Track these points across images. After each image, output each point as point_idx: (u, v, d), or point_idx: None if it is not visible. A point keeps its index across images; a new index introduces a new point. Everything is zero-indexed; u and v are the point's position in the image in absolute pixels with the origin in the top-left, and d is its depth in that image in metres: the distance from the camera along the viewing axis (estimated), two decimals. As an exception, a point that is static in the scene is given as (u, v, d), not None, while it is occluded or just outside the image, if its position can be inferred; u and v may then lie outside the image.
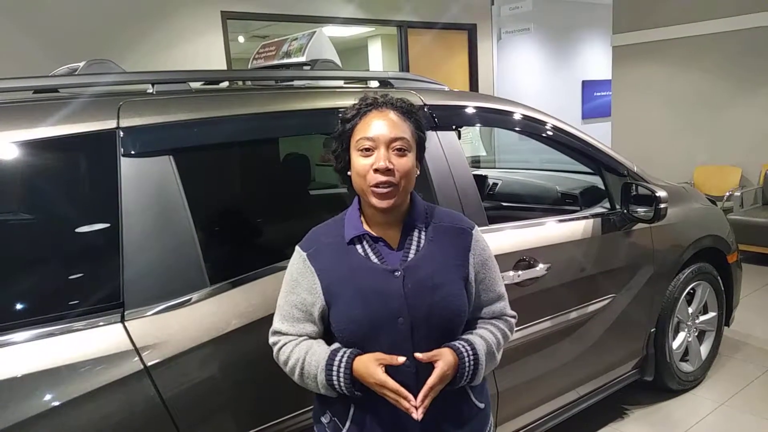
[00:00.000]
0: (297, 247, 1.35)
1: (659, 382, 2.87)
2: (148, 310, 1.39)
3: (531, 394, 2.24)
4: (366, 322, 1.25)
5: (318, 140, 2.27)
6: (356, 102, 1.32)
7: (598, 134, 2.65)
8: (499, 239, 2.08)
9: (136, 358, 1.34)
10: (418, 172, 1.33)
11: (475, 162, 5.01)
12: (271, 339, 1.35)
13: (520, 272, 2.08)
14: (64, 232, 1.43)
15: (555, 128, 2.45)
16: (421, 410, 1.20)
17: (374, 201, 1.26)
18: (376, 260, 1.29)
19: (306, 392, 1.34)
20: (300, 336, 1.31)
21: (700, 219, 2.96)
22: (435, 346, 1.27)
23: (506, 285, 2.00)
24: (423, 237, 1.33)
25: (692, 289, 2.94)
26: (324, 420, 1.36)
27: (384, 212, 1.29)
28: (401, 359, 1.21)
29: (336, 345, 1.29)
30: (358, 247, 1.31)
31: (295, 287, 1.31)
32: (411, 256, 1.30)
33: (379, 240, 1.32)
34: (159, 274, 1.42)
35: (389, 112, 1.29)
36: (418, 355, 1.23)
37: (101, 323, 1.34)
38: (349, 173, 1.31)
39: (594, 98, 8.87)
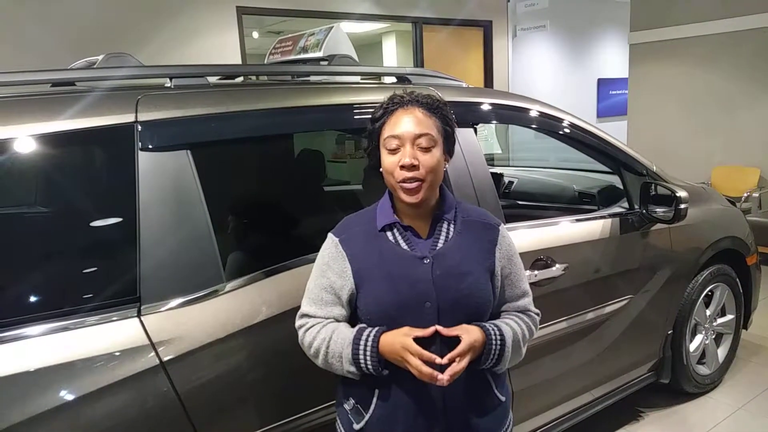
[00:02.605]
0: (330, 234, 1.39)
1: (676, 384, 2.84)
2: (165, 305, 1.39)
3: (546, 395, 2.22)
4: (394, 305, 1.29)
5: (332, 137, 2.26)
6: (384, 101, 1.36)
7: (613, 133, 2.61)
8: (516, 238, 2.02)
9: (152, 353, 1.33)
10: (447, 166, 1.38)
11: (490, 160, 4.97)
12: (298, 322, 1.38)
13: (536, 272, 2.05)
14: (82, 226, 1.43)
15: (573, 125, 2.41)
16: (447, 374, 1.22)
17: (403, 196, 1.31)
18: (406, 247, 1.34)
19: (322, 389, 1.33)
20: (327, 318, 1.35)
21: (720, 220, 2.92)
22: None
23: (523, 284, 2.01)
24: (452, 229, 1.38)
25: (710, 291, 2.90)
26: (347, 406, 1.38)
27: (414, 206, 1.33)
28: (432, 329, 1.24)
29: (362, 325, 1.32)
30: (389, 234, 1.36)
31: (326, 271, 1.35)
32: (440, 245, 1.35)
33: (408, 228, 1.36)
34: (175, 269, 1.42)
35: (415, 109, 1.32)
36: (440, 328, 1.27)
37: (118, 317, 1.34)
38: (381, 170, 1.35)
39: (609, 97, 8.78)
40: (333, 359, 1.31)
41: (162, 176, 1.44)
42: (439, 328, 1.27)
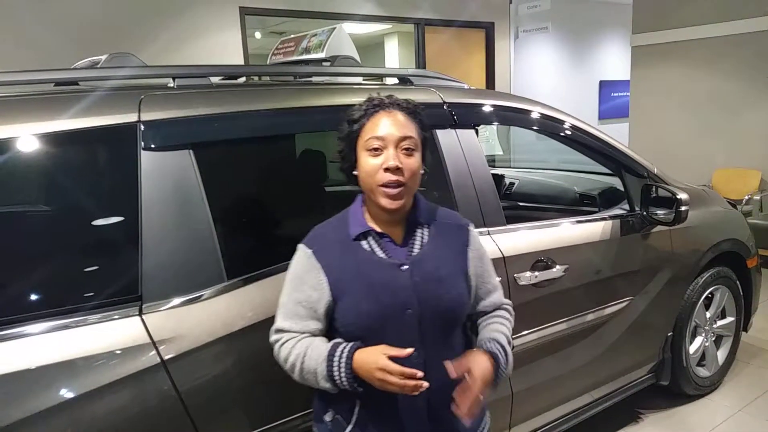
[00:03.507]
0: (301, 245, 1.35)
1: (675, 386, 2.84)
2: (166, 304, 1.39)
3: (546, 396, 2.22)
4: (375, 315, 1.28)
5: (333, 137, 2.27)
6: (361, 103, 1.34)
7: (615, 135, 2.62)
8: (517, 239, 2.06)
9: (153, 352, 1.34)
10: (423, 173, 1.36)
11: (492, 161, 4.98)
12: (273, 337, 1.35)
13: (537, 273, 2.06)
14: (84, 225, 1.43)
15: (574, 127, 2.42)
16: (467, 417, 1.24)
17: (383, 202, 1.28)
18: (382, 255, 1.33)
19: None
20: (302, 333, 1.32)
21: (720, 222, 2.92)
22: (440, 337, 1.34)
23: (523, 286, 2.02)
24: (426, 233, 1.38)
25: (710, 293, 2.90)
26: (327, 418, 1.36)
27: (388, 212, 1.31)
28: (409, 350, 1.22)
29: (338, 339, 1.30)
30: (364, 243, 1.33)
31: (300, 285, 1.32)
32: (416, 250, 1.35)
33: (384, 236, 1.35)
34: (177, 268, 1.42)
35: (397, 112, 1.31)
36: (449, 367, 1.26)
37: (119, 316, 1.35)
38: (354, 173, 1.33)
39: (611, 99, 8.78)
40: (308, 374, 1.28)
41: (164, 176, 1.45)
42: (448, 367, 1.25)
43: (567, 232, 2.25)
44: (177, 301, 1.40)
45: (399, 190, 1.27)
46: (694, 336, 2.89)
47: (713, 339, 3.01)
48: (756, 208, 5.45)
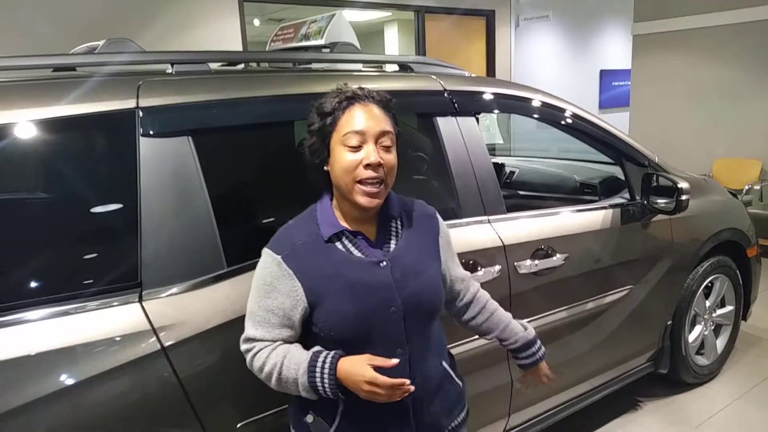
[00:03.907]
0: (267, 251, 1.27)
1: (674, 375, 2.85)
2: (166, 291, 1.39)
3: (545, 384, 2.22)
4: (358, 316, 1.23)
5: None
6: (332, 95, 1.28)
7: (616, 124, 2.61)
8: (517, 228, 2.05)
9: (153, 338, 1.34)
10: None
11: (492, 150, 4.96)
12: (244, 346, 1.30)
13: (537, 261, 2.05)
14: (83, 212, 1.42)
15: (575, 116, 2.41)
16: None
17: (362, 200, 1.23)
18: (359, 254, 1.28)
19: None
20: (275, 341, 1.27)
21: (721, 211, 2.91)
22: (423, 331, 1.32)
23: (523, 274, 2.02)
24: (399, 227, 1.34)
25: (710, 282, 2.90)
26: (308, 419, 1.31)
27: (363, 210, 1.26)
28: (394, 361, 1.19)
29: (317, 347, 1.25)
30: (338, 244, 1.28)
31: (271, 292, 1.25)
32: (392, 246, 1.31)
33: (357, 234, 1.29)
34: (177, 254, 1.42)
35: (372, 105, 1.26)
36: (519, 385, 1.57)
37: (119, 303, 1.34)
38: (325, 168, 1.28)
39: (612, 88, 8.75)
40: (287, 384, 1.24)
41: (163, 162, 1.44)
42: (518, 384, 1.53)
43: (567, 220, 2.24)
44: (177, 288, 1.40)
45: (379, 187, 1.23)
46: (693, 325, 2.90)
47: (712, 328, 3.01)
48: (756, 198, 5.45)
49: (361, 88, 1.28)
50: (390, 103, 1.30)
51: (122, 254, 1.41)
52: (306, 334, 1.30)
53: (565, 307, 2.20)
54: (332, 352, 1.22)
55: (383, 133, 1.24)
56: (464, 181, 1.98)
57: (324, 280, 1.24)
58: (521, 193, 3.27)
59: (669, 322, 2.69)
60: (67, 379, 1.24)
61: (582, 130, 2.44)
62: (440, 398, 1.36)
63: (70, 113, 1.38)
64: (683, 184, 2.34)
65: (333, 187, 1.30)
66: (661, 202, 2.43)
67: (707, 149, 6.12)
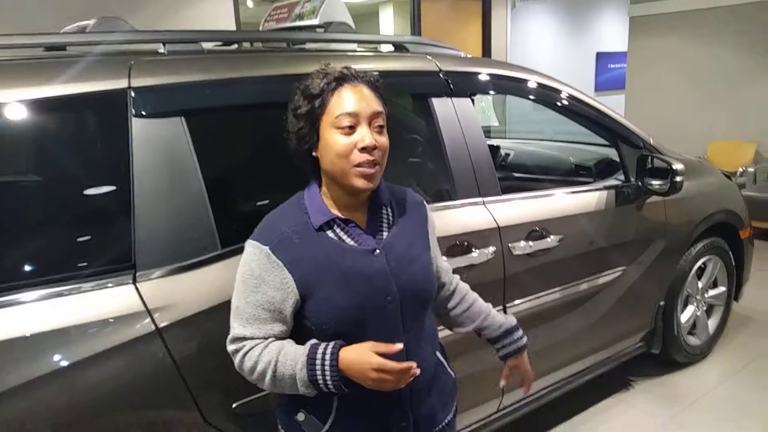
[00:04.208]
0: (253, 242, 1.21)
1: (666, 355, 2.88)
2: (160, 272, 1.39)
3: (538, 363, 2.22)
4: (354, 307, 1.18)
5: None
6: (318, 76, 1.20)
7: (611, 107, 2.60)
8: (512, 210, 2.05)
9: (148, 320, 1.34)
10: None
11: (487, 132, 4.94)
12: (231, 347, 1.22)
13: (531, 243, 2.06)
14: (75, 193, 1.42)
15: (571, 97, 2.40)
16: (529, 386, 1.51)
17: (359, 183, 1.17)
18: (351, 242, 1.22)
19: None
20: (267, 338, 1.20)
21: (715, 193, 2.92)
22: (418, 320, 1.29)
23: (518, 256, 2.02)
24: (390, 214, 1.30)
25: (703, 263, 2.92)
26: (299, 418, 1.25)
27: (356, 194, 1.22)
28: (399, 346, 1.14)
29: (314, 340, 1.19)
30: (329, 232, 1.22)
31: (259, 285, 1.18)
32: (385, 233, 1.26)
33: (349, 222, 1.24)
34: (170, 236, 1.41)
35: (362, 86, 1.20)
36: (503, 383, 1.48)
37: (113, 284, 1.34)
38: (314, 154, 1.21)
39: (608, 70, 8.71)
40: (283, 382, 1.17)
41: (156, 143, 1.43)
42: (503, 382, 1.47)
43: (562, 202, 2.25)
44: (171, 269, 1.40)
45: (375, 170, 1.18)
46: (685, 305, 2.92)
47: (704, 308, 3.04)
48: (750, 181, 5.47)
49: (347, 68, 1.21)
50: (378, 82, 1.24)
51: (116, 236, 1.41)
52: (297, 330, 1.23)
53: (559, 288, 2.22)
54: (332, 343, 1.16)
55: (376, 114, 1.19)
56: (459, 162, 1.97)
57: (316, 270, 1.18)
58: (516, 175, 3.27)
59: (662, 303, 2.71)
60: (61, 361, 1.24)
61: (578, 111, 2.44)
62: (436, 390, 1.34)
63: (61, 93, 1.36)
64: (678, 166, 2.34)
65: (321, 174, 1.24)
66: (656, 183, 2.43)
67: (703, 132, 6.12)
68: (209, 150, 1.53)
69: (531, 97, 2.41)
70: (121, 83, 1.43)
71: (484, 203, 1.99)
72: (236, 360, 1.21)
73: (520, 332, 1.49)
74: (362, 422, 1.24)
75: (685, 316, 2.92)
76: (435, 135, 1.97)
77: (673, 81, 6.31)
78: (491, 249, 1.95)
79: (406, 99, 2.06)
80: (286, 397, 1.26)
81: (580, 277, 2.30)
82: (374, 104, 1.19)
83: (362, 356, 1.13)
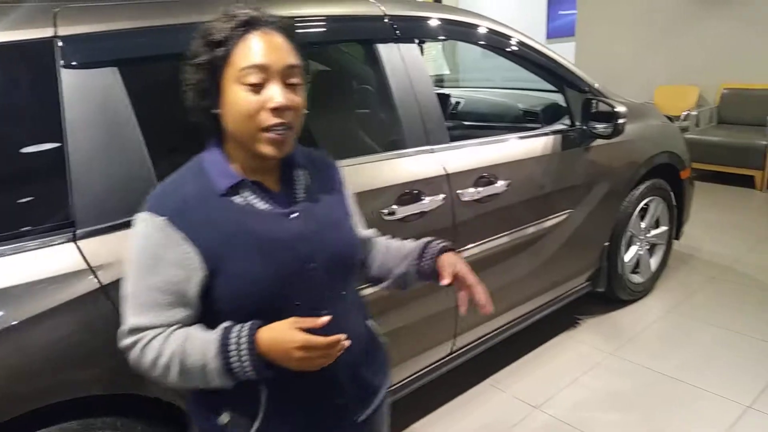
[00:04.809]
0: (145, 215, 1.03)
1: (611, 293, 3.02)
2: (101, 229, 1.35)
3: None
4: (275, 278, 1.04)
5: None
6: (222, 19, 1.02)
7: (563, 54, 2.62)
8: (460, 157, 2.07)
9: (92, 277, 1.31)
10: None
11: (439, 81, 4.92)
12: (126, 341, 1.03)
13: (480, 189, 2.09)
14: (5, 151, 1.35)
15: (520, 43, 2.40)
16: (486, 302, 1.15)
17: (267, 150, 1.02)
18: (264, 206, 1.07)
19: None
20: (169, 326, 1.03)
21: (657, 135, 3.02)
22: (345, 289, 1.16)
23: (466, 202, 2.05)
24: (304, 175, 1.15)
25: (646, 204, 3.03)
26: (222, 420, 1.10)
27: (264, 159, 1.05)
28: (324, 319, 0.99)
29: (226, 323, 1.02)
30: (236, 198, 1.06)
31: (156, 265, 1.00)
32: (301, 195, 1.12)
33: (257, 185, 1.08)
34: (110, 192, 1.38)
35: (274, 33, 1.02)
36: (446, 281, 1.14)
37: (53, 243, 1.31)
38: (215, 111, 1.04)
39: (559, 17, 8.70)
40: (192, 375, 1.00)
41: (89, 95, 1.37)
42: (445, 282, 1.14)
43: (509, 148, 2.28)
44: (112, 225, 1.37)
45: (287, 134, 1.02)
46: (629, 245, 3.05)
47: (647, 248, 3.18)
48: (693, 124, 5.65)
49: (257, 9, 1.03)
50: (294, 29, 1.07)
51: (52, 194, 1.36)
52: (207, 315, 1.06)
53: (508, 232, 2.27)
54: (248, 324, 1.00)
55: (290, 68, 1.02)
56: (407, 109, 1.97)
57: (225, 239, 1.02)
58: (467, 123, 3.28)
59: (606, 244, 2.82)
60: (4, 321, 1.21)
61: (526, 57, 2.45)
62: (368, 361, 1.21)
63: (-21, 44, 1.28)
64: (620, 108, 2.40)
65: (224, 133, 1.07)
66: (600, 126, 2.49)
67: (649, 77, 6.25)
68: (147, 101, 1.48)
69: (480, 43, 2.40)
70: (46, 32, 1.36)
71: (432, 151, 2.00)
72: (133, 354, 1.03)
73: (438, 240, 1.28)
74: (297, 410, 1.11)
75: (629, 255, 3.05)
76: (382, 83, 1.95)
77: (620, 27, 6.37)
78: (440, 196, 1.97)
79: (349, 46, 2.02)
80: (203, 396, 1.10)
81: (529, 220, 2.36)
82: (288, 56, 1.02)
83: (284, 334, 0.97)
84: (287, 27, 1.05)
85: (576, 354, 2.74)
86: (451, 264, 1.19)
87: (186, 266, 1.01)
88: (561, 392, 2.46)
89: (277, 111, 0.99)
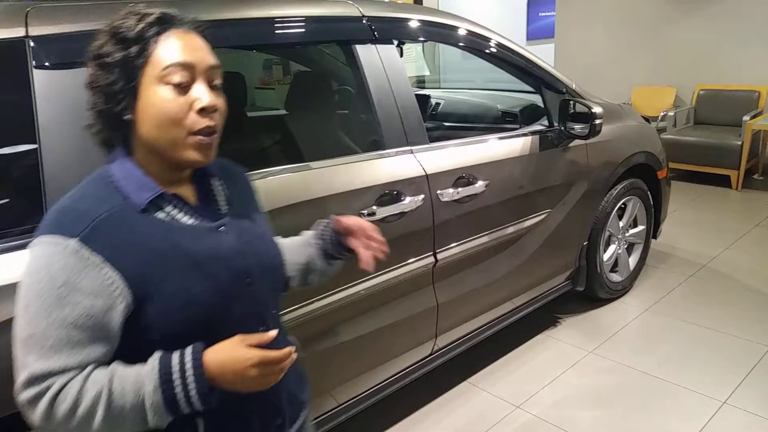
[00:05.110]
0: (50, 238, 0.87)
1: (590, 291, 3.05)
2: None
3: (469, 306, 2.33)
4: (213, 297, 0.96)
5: (252, 56, 2.17)
6: (131, 17, 0.93)
7: (543, 56, 2.65)
8: (439, 157, 2.08)
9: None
10: None
11: (420, 82, 4.94)
12: (31, 391, 0.84)
13: (459, 189, 2.10)
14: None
15: (498, 45, 2.42)
16: (383, 251, 1.17)
17: (193, 156, 0.94)
18: (189, 221, 0.99)
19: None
20: (83, 367, 0.87)
21: (634, 136, 3.06)
22: (275, 302, 1.12)
23: (445, 202, 2.06)
24: (221, 185, 1.09)
25: (623, 203, 3.07)
26: None
27: (182, 168, 0.99)
28: (273, 333, 0.94)
29: (158, 353, 0.90)
30: (158, 213, 0.96)
31: (68, 295, 0.85)
32: (224, 207, 1.06)
33: (176, 197, 0.99)
34: (85, 193, 1.36)
35: (191, 33, 0.96)
36: (342, 223, 1.17)
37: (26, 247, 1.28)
38: (128, 117, 0.93)
39: (539, 19, 8.78)
40: (123, 416, 0.86)
41: (62, 96, 1.35)
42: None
43: (488, 148, 2.30)
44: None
45: (213, 138, 0.96)
46: (608, 244, 3.08)
47: (625, 246, 3.22)
48: (670, 124, 5.74)
49: (167, 8, 0.98)
50: (205, 30, 1.00)
51: (25, 196, 1.33)
52: (124, 347, 0.92)
53: (487, 232, 2.28)
54: (188, 348, 0.90)
55: (213, 69, 0.96)
56: (386, 111, 1.97)
57: (153, 259, 0.91)
58: (446, 124, 3.30)
59: (585, 243, 2.85)
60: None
61: (504, 58, 2.47)
62: (293, 373, 1.13)
63: (-51, 44, 1.26)
64: (597, 109, 2.43)
65: (134, 143, 0.96)
66: (577, 127, 2.52)
67: (627, 78, 6.33)
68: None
69: (459, 44, 2.42)
70: (17, 31, 1.33)
71: (412, 152, 2.01)
72: (39, 409, 0.84)
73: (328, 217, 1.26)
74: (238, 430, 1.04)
75: (607, 254, 3.09)
76: (360, 84, 1.95)
77: (599, 29, 6.45)
78: (420, 197, 1.98)
79: (328, 47, 2.02)
80: None
81: (508, 220, 2.38)
82: (210, 56, 0.97)
83: (235, 354, 0.89)
84: (198, 25, 1.00)
85: (556, 352, 2.76)
86: (348, 218, 1.20)
87: (106, 294, 0.88)
88: (542, 390, 2.47)
89: (204, 112, 0.93)
